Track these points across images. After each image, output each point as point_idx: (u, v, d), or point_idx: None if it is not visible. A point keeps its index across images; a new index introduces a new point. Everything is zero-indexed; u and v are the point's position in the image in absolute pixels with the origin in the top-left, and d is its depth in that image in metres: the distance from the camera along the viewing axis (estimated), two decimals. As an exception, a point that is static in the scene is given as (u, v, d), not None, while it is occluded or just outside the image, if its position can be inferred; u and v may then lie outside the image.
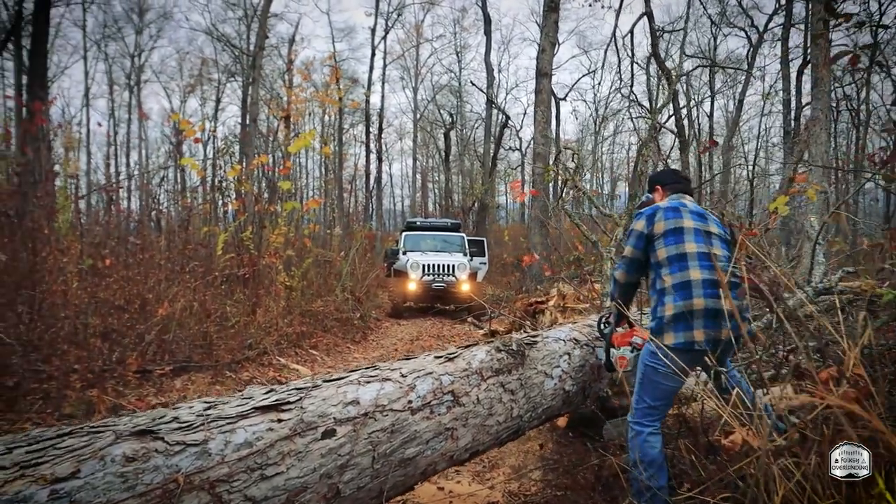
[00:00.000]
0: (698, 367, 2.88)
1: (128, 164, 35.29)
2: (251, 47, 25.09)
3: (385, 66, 33.14)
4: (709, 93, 29.66)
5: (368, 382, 2.06)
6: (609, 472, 3.27)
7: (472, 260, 14.44)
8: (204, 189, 10.19)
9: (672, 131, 14.19)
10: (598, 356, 3.40)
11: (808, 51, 20.26)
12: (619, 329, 3.26)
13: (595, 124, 37.77)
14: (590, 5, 20.83)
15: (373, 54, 30.05)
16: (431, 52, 39.23)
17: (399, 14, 32.34)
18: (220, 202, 8.48)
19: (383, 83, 32.62)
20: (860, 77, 20.62)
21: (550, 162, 12.41)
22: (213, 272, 7.31)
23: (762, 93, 25.89)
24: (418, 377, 2.21)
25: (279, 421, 1.68)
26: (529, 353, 2.84)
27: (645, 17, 12.45)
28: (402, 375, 2.18)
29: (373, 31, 30.19)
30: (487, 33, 27.83)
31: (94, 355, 4.95)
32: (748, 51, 24.19)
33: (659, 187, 3.20)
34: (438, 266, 13.48)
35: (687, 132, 14.08)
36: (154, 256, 6.64)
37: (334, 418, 1.82)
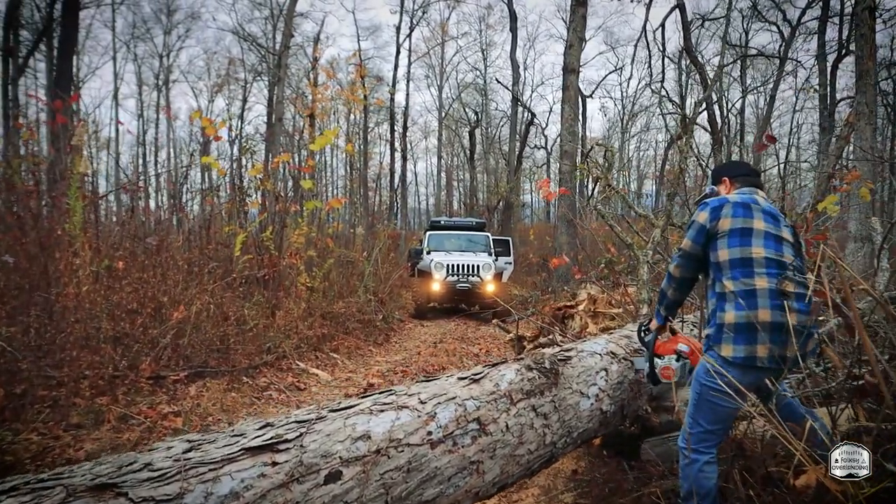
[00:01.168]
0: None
1: (156, 164, 35.65)
2: (277, 46, 25.07)
3: (410, 64, 32.98)
4: (740, 88, 28.93)
5: (382, 411, 1.80)
6: (651, 500, 2.98)
7: (497, 260, 14.17)
8: (228, 188, 10.03)
9: (705, 128, 13.74)
10: (637, 367, 3.09)
11: (846, 44, 19.63)
12: (662, 336, 2.97)
13: (622, 122, 37.19)
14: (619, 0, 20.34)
15: (398, 52, 29.87)
16: (457, 50, 39.04)
17: (424, 12, 32.13)
18: (241, 201, 8.30)
19: (408, 81, 32.43)
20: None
21: (578, 160, 12.08)
22: (232, 273, 7.13)
23: (798, 87, 25.11)
24: (439, 403, 1.95)
25: (273, 464, 1.42)
26: (563, 370, 2.56)
27: (677, 10, 12.06)
28: (421, 402, 1.91)
29: (398, 28, 30.02)
30: (513, 30, 27.47)
31: (105, 361, 4.78)
32: (780, 46, 23.51)
33: (726, 179, 2.84)
34: (463, 266, 13.24)
35: (720, 128, 13.60)
36: (172, 257, 6.46)
37: (340, 457, 1.56)
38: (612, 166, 5.99)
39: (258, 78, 34.00)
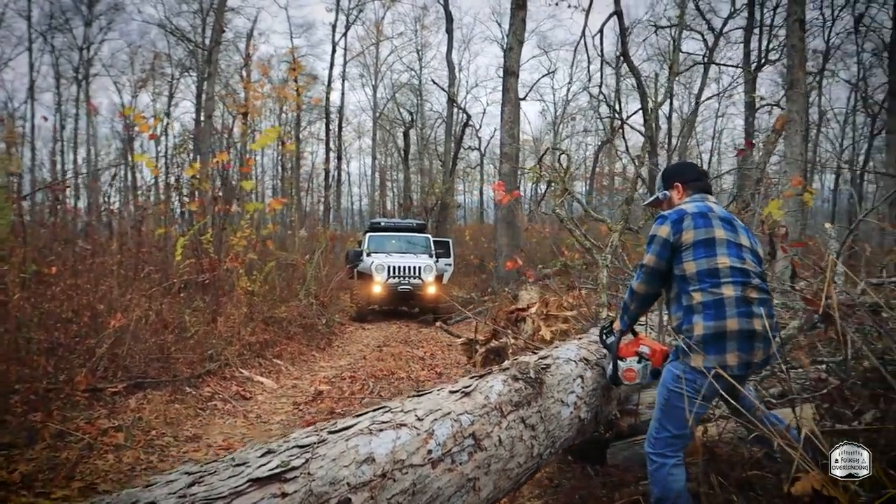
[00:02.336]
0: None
1: (75, 161, 33.76)
2: (207, 42, 24.21)
3: (345, 62, 32.59)
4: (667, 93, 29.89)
5: (381, 430, 1.71)
6: (622, 504, 2.99)
7: (437, 261, 14.15)
8: (158, 188, 9.60)
9: (641, 132, 14.16)
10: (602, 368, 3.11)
11: (767, 53, 20.66)
12: (624, 339, 2.99)
13: (555, 124, 37.86)
14: (556, 4, 20.70)
15: (333, 51, 29.49)
16: (392, 50, 38.72)
17: (360, 10, 31.77)
18: (178, 202, 7.96)
19: (343, 80, 32.07)
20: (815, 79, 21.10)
21: (519, 162, 12.19)
22: (171, 278, 6.80)
23: (722, 93, 26.17)
24: (436, 420, 1.87)
25: (283, 495, 1.31)
26: (546, 379, 2.53)
27: (615, 17, 12.38)
28: (419, 419, 1.83)
29: (333, 27, 29.63)
30: (449, 31, 27.48)
31: (37, 374, 4.46)
32: (704, 53, 24.48)
33: (679, 184, 2.84)
34: (404, 268, 13.15)
35: (654, 133, 14.05)
36: (106, 262, 6.11)
37: (348, 484, 1.46)
38: (569, 170, 6.05)
39: (186, 74, 32.76)
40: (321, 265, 11.40)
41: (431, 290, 12.98)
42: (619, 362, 2.91)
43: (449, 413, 1.95)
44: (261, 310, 8.37)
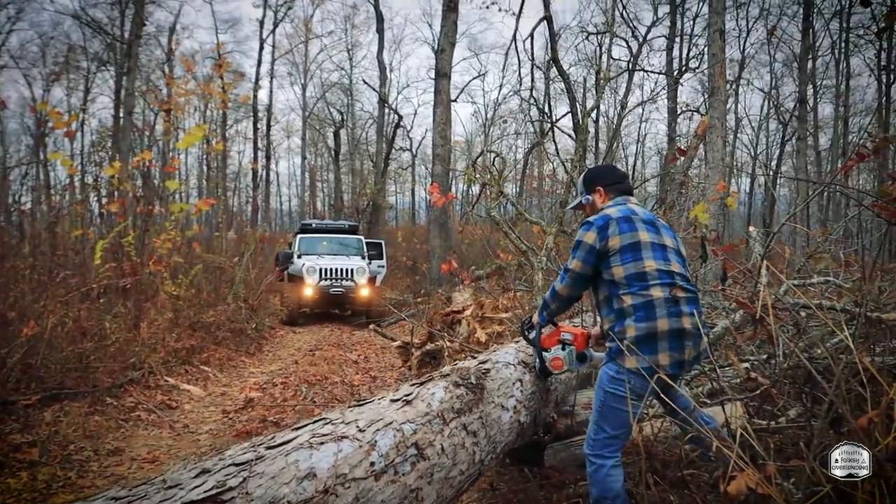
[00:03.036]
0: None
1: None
2: (126, 35, 23.15)
3: (274, 60, 31.92)
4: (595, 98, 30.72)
5: (322, 443, 1.65)
6: (560, 505, 3.02)
7: (370, 263, 14.02)
8: (74, 188, 9.09)
9: (571, 136, 14.46)
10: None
11: (688, 61, 21.53)
12: (544, 331, 3.03)
13: (486, 126, 38.23)
14: (487, 7, 20.88)
15: (261, 48, 28.87)
16: (321, 49, 38.13)
17: (289, 7, 31.17)
18: (96, 202, 7.56)
19: (272, 78, 31.42)
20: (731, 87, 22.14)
21: (451, 163, 12.22)
22: (90, 283, 6.45)
23: (645, 98, 27.10)
24: (378, 430, 1.82)
25: (220, 518, 1.25)
26: (486, 384, 2.52)
27: (545, 21, 12.58)
28: (360, 430, 1.78)
29: (261, 23, 28.99)
30: (380, 31, 27.30)
31: (-60, 388, 4.14)
32: (629, 60, 25.31)
33: (600, 188, 2.89)
34: (336, 270, 12.97)
35: (585, 137, 14.34)
36: (17, 266, 5.73)
37: (289, 502, 1.40)
38: (503, 173, 6.09)
39: (103, 68, 31.23)
40: (250, 268, 11.09)
41: (364, 292, 12.85)
42: (544, 353, 2.95)
43: (391, 423, 1.91)
44: (187, 315, 8.06)
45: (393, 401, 2.06)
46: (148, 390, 5.96)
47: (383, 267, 16.14)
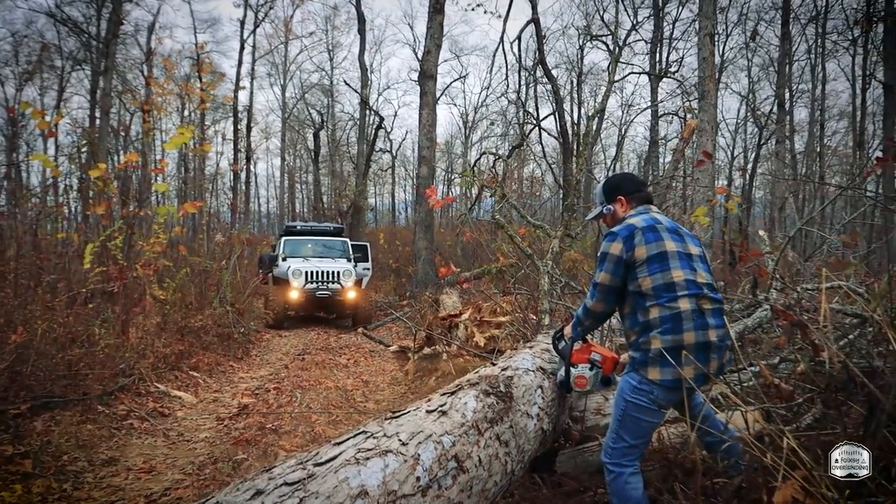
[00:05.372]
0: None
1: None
2: (103, 33, 22.74)
3: (254, 61, 31.62)
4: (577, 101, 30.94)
5: (368, 459, 1.58)
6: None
7: (356, 266, 13.90)
8: (56, 189, 8.87)
9: (557, 138, 14.48)
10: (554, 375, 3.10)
11: (668, 65, 21.74)
12: (575, 346, 2.99)
13: (466, 128, 38.30)
14: (472, 9, 20.89)
15: (241, 48, 28.56)
16: (301, 49, 37.93)
17: (270, 7, 30.92)
18: (80, 205, 7.37)
19: (252, 79, 31.10)
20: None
21: (436, 165, 12.13)
22: (76, 287, 6.29)
23: (624, 103, 27.33)
24: (420, 443, 1.76)
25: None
26: (514, 391, 2.47)
27: (532, 24, 12.58)
28: (403, 444, 1.72)
29: (242, 23, 28.66)
30: (361, 32, 27.12)
31: (-73, 398, 3.98)
32: (609, 63, 25.48)
33: (622, 197, 2.84)
34: (322, 273, 12.83)
35: (570, 139, 14.41)
36: (2, 270, 5.56)
37: (347, 524, 1.34)
38: (504, 176, 6.05)
39: (78, 67, 30.65)
40: (236, 271, 10.93)
41: (351, 295, 12.72)
42: (572, 369, 2.90)
43: (431, 435, 1.85)
44: (174, 319, 7.91)
45: (429, 412, 2.01)
46: (139, 397, 5.82)
47: (369, 269, 16.03)
